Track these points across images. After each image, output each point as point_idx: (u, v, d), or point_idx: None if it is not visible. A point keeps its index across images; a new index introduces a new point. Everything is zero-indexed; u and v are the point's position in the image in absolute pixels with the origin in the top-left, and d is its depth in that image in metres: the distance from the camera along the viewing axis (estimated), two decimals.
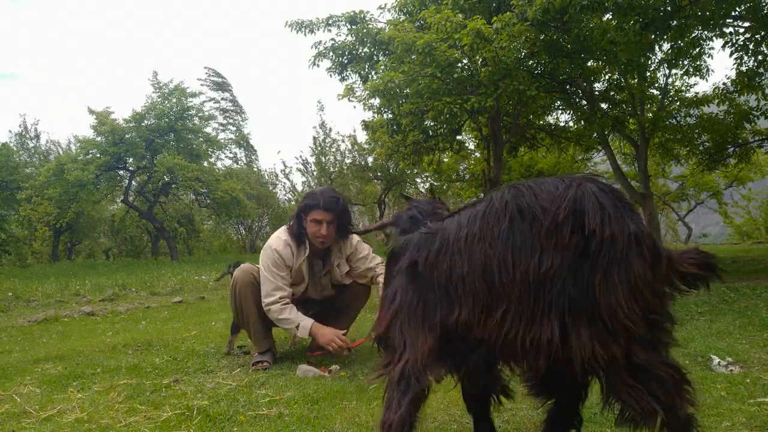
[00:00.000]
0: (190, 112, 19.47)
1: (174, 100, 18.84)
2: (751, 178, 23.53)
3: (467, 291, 1.52)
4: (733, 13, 7.35)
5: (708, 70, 10.03)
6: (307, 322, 3.09)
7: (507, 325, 1.46)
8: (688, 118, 10.41)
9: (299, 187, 27.14)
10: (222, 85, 27.02)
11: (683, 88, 10.74)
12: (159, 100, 18.94)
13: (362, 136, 24.26)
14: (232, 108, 27.22)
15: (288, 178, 26.50)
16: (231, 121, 26.99)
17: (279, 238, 3.18)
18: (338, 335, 3.08)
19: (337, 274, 3.33)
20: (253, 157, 27.76)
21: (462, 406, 2.29)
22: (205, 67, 26.02)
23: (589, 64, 8.93)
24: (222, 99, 27.05)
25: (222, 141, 24.29)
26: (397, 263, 1.75)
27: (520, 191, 1.53)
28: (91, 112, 18.38)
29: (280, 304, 3.08)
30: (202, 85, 26.13)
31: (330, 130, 25.63)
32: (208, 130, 21.44)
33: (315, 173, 25.82)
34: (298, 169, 26.71)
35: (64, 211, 18.11)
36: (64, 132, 70.60)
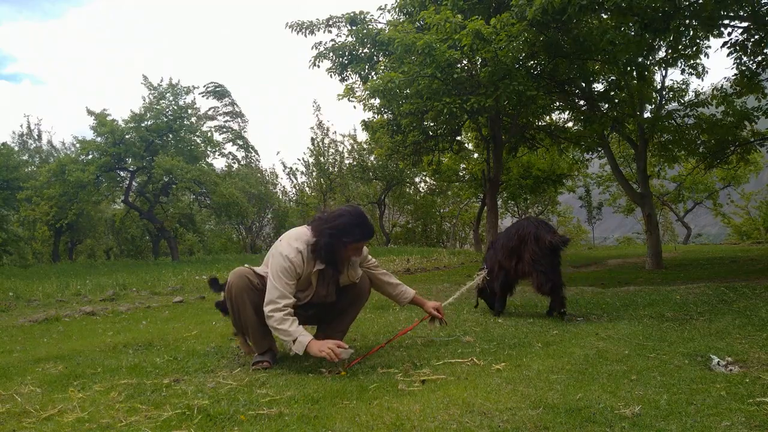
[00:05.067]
0: (188, 111, 19.51)
1: (171, 98, 18.86)
2: (747, 180, 23.61)
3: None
4: (732, 14, 7.35)
5: (704, 69, 10.02)
6: (304, 339, 2.96)
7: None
8: (686, 119, 10.40)
9: (299, 189, 27.21)
10: (222, 93, 27.93)
11: (681, 87, 10.72)
12: (155, 99, 18.96)
13: (362, 136, 24.34)
14: (231, 111, 27.75)
15: (294, 177, 26.53)
16: (231, 123, 27.61)
17: (290, 246, 3.12)
18: (332, 346, 2.93)
19: (345, 279, 3.34)
20: (255, 157, 28.13)
21: (461, 405, 2.34)
22: (205, 85, 27.66)
23: (588, 64, 8.94)
24: (222, 105, 28.00)
25: (221, 140, 24.45)
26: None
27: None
28: (90, 113, 18.39)
29: (283, 313, 3.01)
30: (203, 96, 27.11)
31: (327, 130, 25.67)
32: (207, 129, 21.56)
33: (314, 173, 25.84)
34: (298, 169, 26.74)
35: (64, 212, 18.11)
36: (67, 133, 70.67)
